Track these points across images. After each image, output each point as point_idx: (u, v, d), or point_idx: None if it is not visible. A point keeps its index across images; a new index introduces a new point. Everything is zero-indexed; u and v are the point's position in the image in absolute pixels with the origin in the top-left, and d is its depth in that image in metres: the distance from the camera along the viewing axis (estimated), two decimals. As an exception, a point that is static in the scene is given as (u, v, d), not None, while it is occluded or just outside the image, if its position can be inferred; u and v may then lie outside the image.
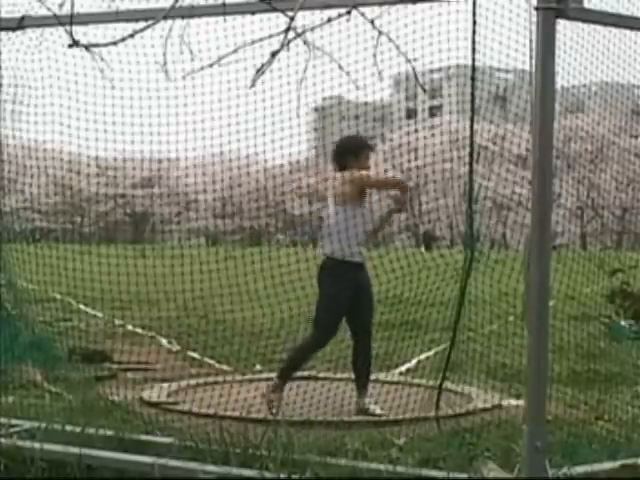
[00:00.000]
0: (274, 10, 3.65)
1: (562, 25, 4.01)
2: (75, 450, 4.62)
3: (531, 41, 4.13)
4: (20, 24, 5.16)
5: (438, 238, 43.28)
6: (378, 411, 6.38)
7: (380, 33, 3.55)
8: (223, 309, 9.47)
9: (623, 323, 7.83)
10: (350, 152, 6.55)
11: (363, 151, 6.61)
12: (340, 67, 3.86)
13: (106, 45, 3.47)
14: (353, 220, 6.41)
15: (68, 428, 4.97)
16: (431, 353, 8.22)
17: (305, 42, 3.44)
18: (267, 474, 4.28)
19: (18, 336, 6.28)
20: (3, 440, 4.80)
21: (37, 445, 4.68)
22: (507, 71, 6.30)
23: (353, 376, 6.67)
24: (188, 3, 4.46)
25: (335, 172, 6.65)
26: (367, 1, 4.15)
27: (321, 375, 7.62)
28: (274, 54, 3.22)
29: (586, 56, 4.86)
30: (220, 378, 7.50)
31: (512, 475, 4.08)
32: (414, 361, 8.17)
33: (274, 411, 6.23)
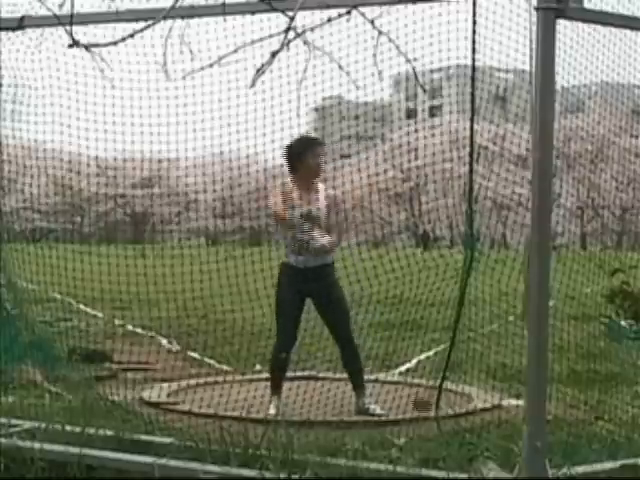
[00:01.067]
0: (274, 10, 3.65)
1: (562, 25, 4.01)
2: (75, 450, 4.62)
3: (531, 41, 4.13)
4: (20, 24, 5.16)
5: (438, 238, 43.26)
6: (378, 411, 6.38)
7: (380, 33, 3.54)
8: (223, 309, 9.48)
9: (623, 323, 7.82)
10: (295, 157, 6.48)
11: (308, 153, 6.49)
12: (340, 67, 3.86)
13: (106, 45, 3.47)
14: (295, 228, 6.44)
15: (68, 428, 4.98)
16: (431, 353, 8.23)
17: (305, 42, 3.43)
18: (267, 474, 4.28)
19: (18, 336, 6.28)
20: (3, 440, 4.80)
21: (37, 445, 4.68)
22: (507, 71, 6.32)
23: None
24: (188, 3, 4.45)
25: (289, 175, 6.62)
26: (367, 1, 4.15)
27: (321, 375, 7.63)
28: (274, 54, 3.22)
29: (586, 56, 4.86)
30: (220, 378, 7.50)
31: (512, 475, 4.08)
32: (414, 361, 8.17)
33: (272, 411, 6.23)
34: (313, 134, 6.58)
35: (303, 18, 3.46)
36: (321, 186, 6.59)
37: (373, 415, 6.33)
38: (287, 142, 6.49)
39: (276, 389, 6.46)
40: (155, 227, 51.72)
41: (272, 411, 6.24)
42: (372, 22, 3.60)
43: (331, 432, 5.34)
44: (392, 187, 46.20)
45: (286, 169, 6.63)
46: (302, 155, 6.45)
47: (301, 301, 6.52)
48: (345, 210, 6.74)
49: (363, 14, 3.64)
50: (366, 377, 7.10)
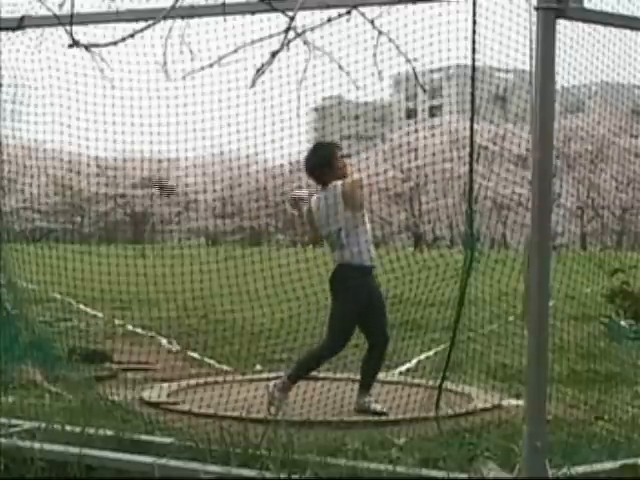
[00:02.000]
0: (274, 10, 3.65)
1: (562, 25, 4.01)
2: (75, 450, 4.62)
3: (531, 41, 4.13)
4: (20, 24, 5.16)
5: (438, 238, 43.28)
6: (379, 408, 6.38)
7: (380, 33, 3.55)
8: (223, 309, 9.49)
9: (623, 323, 7.82)
10: (323, 165, 6.50)
11: (335, 159, 6.54)
12: (340, 67, 3.86)
13: (106, 45, 3.47)
14: (363, 226, 6.47)
15: (68, 428, 4.97)
16: (431, 353, 8.23)
17: (305, 42, 3.43)
18: (267, 474, 4.28)
19: (18, 336, 6.27)
20: (3, 440, 4.80)
21: (37, 445, 4.68)
22: (507, 71, 6.31)
23: (358, 375, 6.66)
24: (188, 3, 4.45)
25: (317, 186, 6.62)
26: (367, 1, 4.15)
27: (321, 375, 7.62)
28: (274, 54, 3.22)
29: (586, 56, 4.86)
30: (220, 378, 7.50)
31: (512, 475, 4.08)
32: (414, 361, 8.17)
33: (272, 411, 6.23)
34: (321, 140, 6.66)
35: (303, 18, 3.46)
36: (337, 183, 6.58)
37: (374, 413, 6.33)
38: (306, 157, 6.57)
39: (291, 387, 6.45)
40: (155, 227, 51.73)
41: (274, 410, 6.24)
42: (372, 22, 3.60)
43: (331, 432, 5.34)
44: (392, 187, 46.19)
45: (306, 179, 6.69)
46: (330, 161, 6.49)
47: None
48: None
49: (363, 14, 3.64)
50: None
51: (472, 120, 5.36)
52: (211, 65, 3.40)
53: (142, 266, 6.76)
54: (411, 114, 57.71)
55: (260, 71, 3.20)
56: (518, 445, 4.28)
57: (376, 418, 6.25)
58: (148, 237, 46.88)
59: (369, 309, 6.48)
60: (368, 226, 6.56)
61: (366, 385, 6.54)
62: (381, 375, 7.62)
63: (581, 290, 6.21)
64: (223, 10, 4.39)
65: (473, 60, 5.22)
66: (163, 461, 4.47)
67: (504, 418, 5.94)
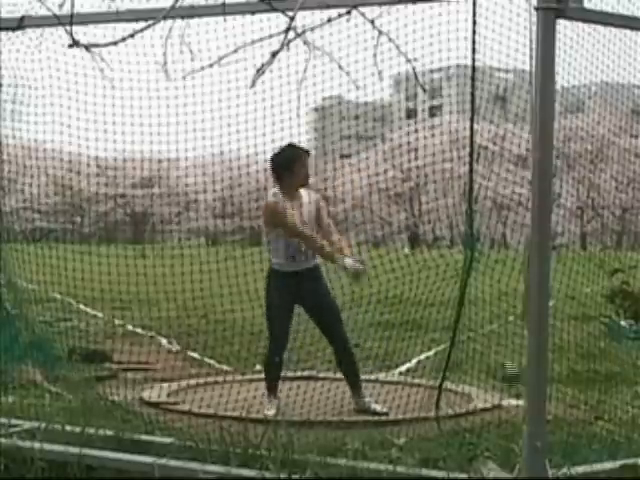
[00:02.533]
0: (274, 10, 3.65)
1: (562, 25, 4.01)
2: (75, 450, 4.62)
3: (531, 41, 4.13)
4: (20, 24, 5.16)
5: (438, 238, 43.25)
6: (379, 408, 6.39)
7: (380, 33, 3.55)
8: (223, 309, 9.47)
9: (623, 323, 7.81)
10: (283, 167, 6.46)
11: (296, 163, 6.47)
12: (340, 67, 3.86)
13: (106, 45, 3.47)
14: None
15: (68, 428, 4.98)
16: (431, 353, 8.23)
17: (305, 42, 3.43)
18: (267, 474, 4.28)
19: (18, 336, 6.27)
20: (3, 440, 4.80)
21: (37, 445, 4.68)
22: (507, 71, 6.31)
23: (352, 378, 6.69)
24: (188, 3, 4.45)
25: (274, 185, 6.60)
26: (367, 1, 4.15)
27: (321, 375, 7.62)
28: (274, 54, 3.22)
29: (586, 56, 4.86)
30: (220, 378, 7.50)
31: (512, 475, 4.08)
32: (414, 361, 8.17)
33: (268, 413, 6.23)
34: (297, 143, 6.55)
35: (303, 18, 3.46)
36: (303, 192, 6.58)
37: (374, 413, 6.33)
38: (272, 153, 6.49)
39: (272, 390, 6.48)
40: (155, 227, 51.73)
41: (271, 412, 6.25)
42: (372, 22, 3.60)
43: (331, 432, 5.34)
44: (392, 187, 46.21)
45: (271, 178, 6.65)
46: (291, 166, 6.43)
47: (293, 305, 6.55)
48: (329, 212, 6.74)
49: (363, 14, 3.64)
50: (366, 377, 7.11)
51: (472, 120, 5.35)
52: (211, 65, 3.40)
53: (142, 266, 6.76)
54: (411, 114, 57.71)
55: (260, 71, 3.20)
56: (518, 445, 4.28)
57: (376, 418, 6.25)
58: (148, 237, 46.89)
59: (310, 313, 6.56)
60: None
61: (356, 385, 6.56)
62: (381, 375, 7.64)
63: (581, 290, 6.20)
64: (223, 10, 4.39)
65: (473, 60, 5.21)
66: (163, 461, 4.48)
67: (504, 418, 5.94)
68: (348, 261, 6.33)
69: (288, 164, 6.43)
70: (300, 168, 6.46)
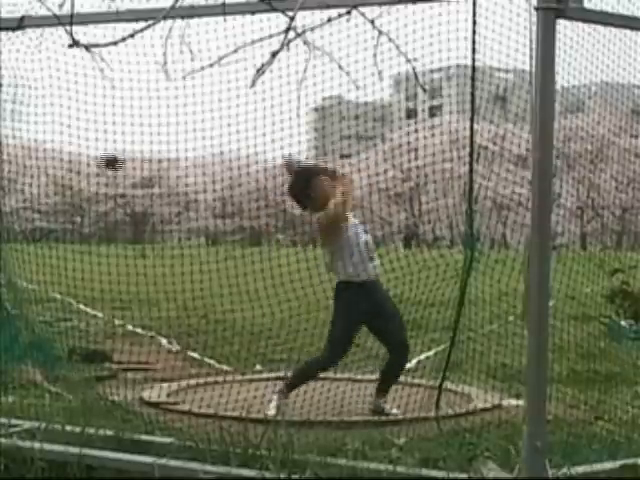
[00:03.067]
0: (274, 10, 3.65)
1: (562, 25, 4.01)
2: (75, 450, 4.62)
3: (531, 41, 4.13)
4: (20, 24, 5.16)
5: (438, 238, 43.25)
6: (394, 411, 6.37)
7: (380, 33, 3.55)
8: (223, 309, 9.48)
9: (623, 323, 7.83)
10: (304, 193, 6.43)
11: (317, 183, 6.41)
12: (340, 67, 3.86)
13: (106, 45, 3.47)
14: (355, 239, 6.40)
15: (68, 428, 4.97)
16: (431, 353, 8.22)
17: (305, 42, 3.44)
18: (267, 474, 4.28)
19: (18, 336, 6.28)
20: (3, 440, 4.80)
21: (37, 445, 4.68)
22: (507, 71, 6.31)
23: (367, 375, 6.65)
24: (188, 3, 4.46)
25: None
26: (367, 1, 4.15)
27: (321, 375, 7.62)
28: (274, 54, 3.22)
29: (586, 56, 4.86)
30: (220, 378, 7.50)
31: (512, 475, 4.08)
32: (414, 361, 8.16)
33: (270, 413, 6.22)
34: (302, 161, 6.47)
35: (303, 18, 3.46)
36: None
37: (388, 416, 6.31)
38: (290, 181, 6.48)
39: (292, 390, 6.46)
40: (155, 227, 51.74)
41: (272, 411, 6.24)
42: (372, 22, 3.60)
43: (331, 432, 5.34)
44: (392, 187, 46.19)
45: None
46: (307, 193, 6.40)
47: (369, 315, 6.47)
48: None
49: (363, 14, 3.65)
50: (366, 377, 7.11)
51: (472, 120, 5.35)
52: (211, 65, 3.40)
53: (142, 266, 6.76)
54: (411, 114, 57.75)
55: (260, 71, 3.21)
56: (518, 445, 4.28)
57: (376, 418, 6.25)
58: (148, 237, 46.91)
59: (372, 319, 6.46)
60: (363, 239, 6.48)
61: (382, 389, 6.54)
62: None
63: (581, 290, 6.20)
64: (223, 10, 4.39)
65: (473, 60, 5.22)
66: (163, 461, 4.47)
67: (504, 418, 5.94)
68: None
69: (305, 192, 6.41)
70: (317, 190, 6.39)
